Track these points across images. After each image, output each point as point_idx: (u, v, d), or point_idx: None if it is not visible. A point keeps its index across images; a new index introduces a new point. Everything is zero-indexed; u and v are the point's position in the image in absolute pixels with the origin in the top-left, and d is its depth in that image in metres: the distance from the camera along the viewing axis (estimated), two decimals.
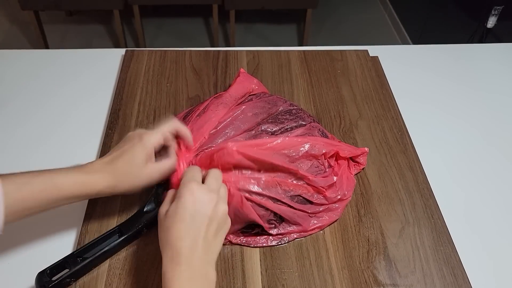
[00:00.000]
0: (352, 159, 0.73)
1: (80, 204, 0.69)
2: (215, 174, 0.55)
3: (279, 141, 0.63)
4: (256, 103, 0.74)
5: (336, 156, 0.70)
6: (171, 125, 0.61)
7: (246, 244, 0.63)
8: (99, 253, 0.59)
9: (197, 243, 0.49)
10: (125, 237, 0.61)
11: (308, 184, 0.64)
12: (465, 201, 0.74)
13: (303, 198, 0.64)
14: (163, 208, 0.52)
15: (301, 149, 0.64)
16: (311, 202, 0.65)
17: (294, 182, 0.63)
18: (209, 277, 0.49)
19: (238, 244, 0.63)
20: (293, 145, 0.64)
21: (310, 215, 0.65)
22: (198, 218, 0.50)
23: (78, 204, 0.69)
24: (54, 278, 0.56)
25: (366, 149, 0.74)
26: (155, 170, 0.59)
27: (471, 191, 0.75)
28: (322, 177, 0.66)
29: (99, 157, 0.73)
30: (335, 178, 0.67)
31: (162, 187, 0.63)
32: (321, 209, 0.66)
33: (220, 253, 0.62)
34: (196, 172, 0.55)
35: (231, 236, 0.63)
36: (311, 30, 2.40)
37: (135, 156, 0.57)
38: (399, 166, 0.75)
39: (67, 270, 0.57)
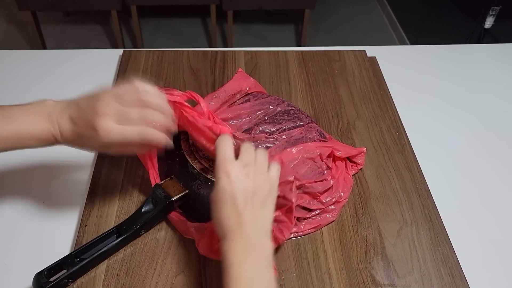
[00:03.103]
0: (349, 159, 0.73)
1: (78, 204, 0.69)
2: (247, 148, 0.54)
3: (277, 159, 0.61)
4: (253, 104, 0.74)
5: (334, 157, 0.70)
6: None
7: None
8: (97, 254, 0.59)
9: (243, 218, 0.49)
10: (123, 237, 0.61)
11: (305, 192, 0.64)
12: (462, 201, 0.74)
13: (299, 206, 0.64)
14: (212, 195, 0.52)
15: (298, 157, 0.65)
16: (307, 209, 0.65)
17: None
18: (264, 246, 0.50)
19: None
20: (292, 158, 0.64)
21: (307, 219, 0.65)
22: (238, 195, 0.50)
23: (75, 205, 0.69)
24: (51, 279, 0.56)
25: (364, 149, 0.74)
26: (116, 128, 0.54)
27: (469, 192, 0.75)
28: (320, 181, 0.66)
29: (96, 156, 0.73)
30: (332, 181, 0.67)
31: (161, 188, 0.63)
32: (317, 212, 0.66)
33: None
34: (227, 149, 0.53)
35: None
36: (309, 31, 2.40)
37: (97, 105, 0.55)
38: (397, 166, 0.75)
39: (64, 271, 0.57)
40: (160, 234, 0.64)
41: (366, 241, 0.65)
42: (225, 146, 0.53)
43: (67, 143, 0.57)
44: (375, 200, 0.70)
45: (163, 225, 0.65)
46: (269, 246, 0.51)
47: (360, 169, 0.74)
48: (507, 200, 0.74)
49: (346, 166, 0.72)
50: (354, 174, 0.73)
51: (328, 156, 0.69)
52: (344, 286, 0.60)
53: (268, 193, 0.53)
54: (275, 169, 0.55)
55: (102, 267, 0.60)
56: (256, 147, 0.58)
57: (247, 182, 0.51)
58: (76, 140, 0.56)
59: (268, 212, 0.53)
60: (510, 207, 0.73)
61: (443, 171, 0.78)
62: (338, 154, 0.69)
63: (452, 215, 0.70)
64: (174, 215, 0.64)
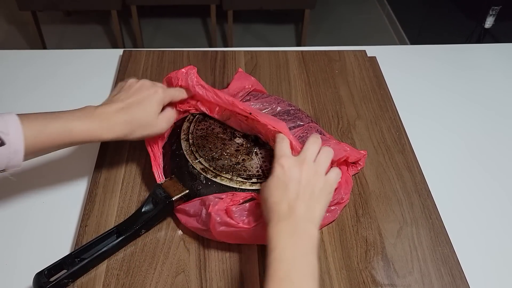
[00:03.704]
0: None
1: (78, 204, 0.69)
2: (309, 146, 0.58)
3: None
4: (254, 103, 0.74)
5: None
6: (180, 95, 0.67)
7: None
8: (97, 253, 0.59)
9: (294, 204, 0.52)
10: (123, 237, 0.61)
11: None
12: (463, 201, 0.74)
13: None
14: (262, 185, 0.57)
15: None
16: None
17: None
18: (310, 233, 0.52)
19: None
20: None
21: None
22: (290, 185, 0.54)
23: (75, 205, 0.69)
24: (52, 279, 0.56)
25: (365, 152, 0.74)
26: (164, 119, 0.64)
27: (469, 191, 0.75)
28: None
29: (98, 152, 0.73)
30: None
31: (161, 188, 0.63)
32: None
33: (217, 254, 0.62)
34: (285, 146, 0.59)
35: None
36: (309, 31, 2.40)
37: (152, 107, 0.62)
38: (397, 166, 0.75)
39: (65, 270, 0.57)
40: (160, 234, 0.64)
41: (366, 241, 0.65)
42: (283, 143, 0.59)
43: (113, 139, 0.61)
44: (375, 200, 0.70)
45: (163, 225, 0.65)
46: (316, 234, 0.52)
47: (360, 169, 0.74)
48: (508, 199, 0.74)
49: (347, 168, 0.72)
50: (354, 175, 0.73)
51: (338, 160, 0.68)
52: (344, 286, 0.60)
53: (320, 191, 0.55)
54: (335, 173, 0.58)
55: (102, 267, 0.60)
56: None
57: (300, 175, 0.54)
58: (127, 135, 0.61)
59: (320, 207, 0.55)
60: (510, 207, 0.73)
61: (443, 171, 0.78)
62: (350, 160, 0.70)
63: (452, 215, 0.70)
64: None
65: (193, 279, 0.60)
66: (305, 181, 0.54)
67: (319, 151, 0.59)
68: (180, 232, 0.65)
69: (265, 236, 0.51)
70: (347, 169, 0.71)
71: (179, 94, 0.67)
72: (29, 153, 0.55)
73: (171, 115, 0.66)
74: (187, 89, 0.68)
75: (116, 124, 0.59)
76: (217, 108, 0.69)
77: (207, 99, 0.67)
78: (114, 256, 0.61)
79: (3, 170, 0.55)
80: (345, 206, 0.68)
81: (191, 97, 0.69)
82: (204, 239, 0.64)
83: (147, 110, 0.61)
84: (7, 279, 0.61)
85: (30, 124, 0.55)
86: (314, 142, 0.59)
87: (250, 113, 0.64)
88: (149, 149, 0.68)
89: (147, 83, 0.63)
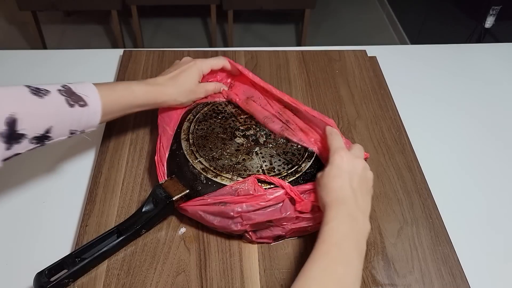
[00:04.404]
0: None
1: (79, 204, 0.69)
2: (358, 146, 0.64)
3: None
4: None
5: None
6: (219, 62, 0.76)
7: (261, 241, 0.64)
8: (98, 253, 0.59)
9: (353, 193, 0.56)
10: (123, 237, 0.61)
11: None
12: (463, 201, 0.74)
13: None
14: (319, 174, 0.60)
15: None
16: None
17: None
18: (363, 221, 0.55)
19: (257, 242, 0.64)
20: None
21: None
22: (351, 174, 0.58)
23: (76, 205, 0.69)
24: (52, 279, 0.56)
25: (367, 154, 0.74)
26: (203, 88, 0.75)
27: (469, 191, 0.75)
28: None
29: (98, 154, 0.74)
30: None
31: (161, 188, 0.63)
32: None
33: (218, 253, 0.62)
34: (340, 140, 0.64)
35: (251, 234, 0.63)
36: (309, 30, 2.40)
37: (192, 74, 0.72)
38: (397, 166, 0.75)
39: (65, 270, 0.57)
40: (161, 234, 0.64)
41: (367, 240, 0.65)
42: (338, 136, 0.64)
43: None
44: (376, 200, 0.70)
45: (164, 225, 0.65)
46: (368, 225, 0.56)
47: None
48: (508, 199, 0.74)
49: None
50: None
51: None
52: None
53: (370, 188, 0.60)
54: (372, 173, 0.62)
55: (103, 267, 0.60)
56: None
57: (359, 169, 0.59)
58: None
59: (369, 200, 0.59)
60: (511, 206, 0.73)
61: (444, 171, 0.78)
62: None
63: (453, 214, 0.70)
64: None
65: (194, 278, 0.60)
66: (362, 175, 0.59)
67: None
68: (180, 232, 0.65)
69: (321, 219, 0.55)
70: None
71: (217, 62, 0.76)
72: (103, 115, 0.63)
73: (208, 85, 0.75)
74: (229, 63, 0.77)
75: (168, 88, 0.70)
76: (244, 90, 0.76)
77: (246, 74, 0.75)
78: (115, 256, 0.61)
79: (83, 131, 0.62)
80: None
81: (230, 75, 0.80)
82: (205, 239, 0.64)
83: (189, 77, 0.72)
84: (8, 279, 0.61)
85: (101, 88, 0.63)
86: (359, 145, 0.65)
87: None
88: (157, 146, 0.69)
89: (187, 59, 0.75)
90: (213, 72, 0.77)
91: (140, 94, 0.67)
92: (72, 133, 0.60)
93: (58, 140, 0.60)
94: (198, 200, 0.61)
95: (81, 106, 0.59)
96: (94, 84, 0.62)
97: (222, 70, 0.78)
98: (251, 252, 0.63)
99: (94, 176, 0.71)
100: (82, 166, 0.75)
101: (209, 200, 0.60)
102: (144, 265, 0.61)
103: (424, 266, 0.62)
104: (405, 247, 0.64)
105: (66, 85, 0.60)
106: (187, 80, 0.72)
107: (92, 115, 0.61)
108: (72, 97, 0.59)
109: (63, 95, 0.58)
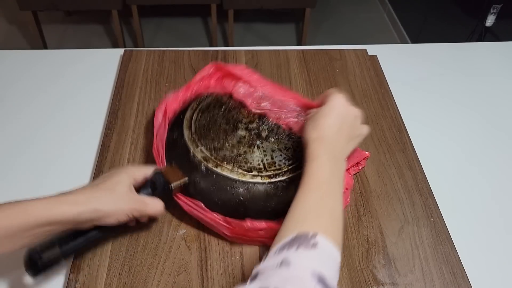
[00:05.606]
0: None
1: None
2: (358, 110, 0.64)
3: None
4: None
5: None
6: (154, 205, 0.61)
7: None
8: (93, 233, 0.57)
9: (339, 135, 0.59)
10: None
11: None
12: (464, 199, 0.74)
13: None
14: (312, 110, 0.62)
15: None
16: None
17: None
18: (342, 162, 0.59)
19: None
20: None
21: None
22: (342, 119, 0.60)
23: None
24: (44, 255, 0.55)
25: (368, 153, 0.74)
26: (136, 200, 0.59)
27: (470, 190, 0.75)
28: None
29: (97, 158, 0.73)
30: None
31: (160, 174, 0.63)
32: None
33: (219, 253, 0.62)
34: (341, 94, 0.63)
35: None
36: (309, 30, 2.40)
37: (120, 180, 0.58)
38: (398, 165, 0.75)
39: (57, 249, 0.55)
40: (162, 234, 0.64)
41: (368, 239, 0.65)
42: (338, 93, 0.63)
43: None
44: (377, 199, 0.70)
45: (165, 224, 0.65)
46: (344, 166, 0.60)
47: (361, 168, 0.74)
48: (509, 198, 0.74)
49: (348, 169, 0.71)
50: (355, 174, 0.73)
51: None
52: (346, 285, 0.60)
53: (357, 136, 0.62)
54: (367, 127, 0.63)
55: (104, 266, 0.60)
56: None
57: (352, 116, 0.61)
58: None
59: (351, 148, 0.62)
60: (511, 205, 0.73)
61: (444, 170, 0.78)
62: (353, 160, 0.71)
63: (454, 213, 0.70)
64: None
65: (195, 278, 0.60)
66: (353, 122, 0.61)
67: None
68: (181, 231, 0.65)
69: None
70: (348, 170, 0.71)
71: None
72: None
73: (148, 200, 0.60)
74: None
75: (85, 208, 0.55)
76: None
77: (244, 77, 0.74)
78: (116, 255, 0.61)
79: None
80: (345, 206, 0.68)
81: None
82: (205, 239, 0.64)
83: (114, 183, 0.58)
84: (8, 279, 0.61)
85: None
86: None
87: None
88: (154, 134, 0.69)
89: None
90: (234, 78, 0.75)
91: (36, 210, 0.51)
92: None
93: None
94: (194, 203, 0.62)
95: None
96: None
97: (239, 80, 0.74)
98: (252, 251, 0.63)
99: (95, 176, 0.71)
100: (82, 167, 0.75)
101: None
102: (145, 264, 0.61)
103: (425, 265, 0.62)
104: (406, 246, 0.64)
105: None
106: (112, 186, 0.57)
107: None
108: None
109: None
